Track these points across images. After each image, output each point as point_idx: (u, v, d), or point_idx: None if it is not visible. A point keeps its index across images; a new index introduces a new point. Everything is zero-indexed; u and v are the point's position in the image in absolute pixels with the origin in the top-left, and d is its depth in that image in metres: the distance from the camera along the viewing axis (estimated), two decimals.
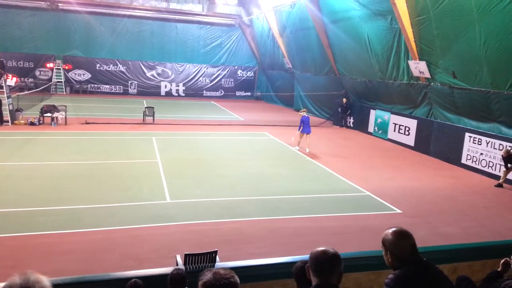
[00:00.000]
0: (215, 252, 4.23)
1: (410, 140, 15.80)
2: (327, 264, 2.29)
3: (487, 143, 12.26)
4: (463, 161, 13.13)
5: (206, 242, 6.80)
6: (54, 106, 17.27)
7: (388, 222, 8.28)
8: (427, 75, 14.23)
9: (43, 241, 6.61)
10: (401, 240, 2.46)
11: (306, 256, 2.58)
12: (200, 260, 4.16)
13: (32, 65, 27.84)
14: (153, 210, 8.23)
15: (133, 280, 3.52)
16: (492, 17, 10.86)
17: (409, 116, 16.13)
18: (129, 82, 29.82)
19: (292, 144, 14.91)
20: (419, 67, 14.39)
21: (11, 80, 16.98)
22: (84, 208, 8.12)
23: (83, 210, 8.00)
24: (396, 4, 13.64)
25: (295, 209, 8.66)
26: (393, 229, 2.53)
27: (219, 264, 4.26)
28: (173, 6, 29.72)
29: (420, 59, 14.18)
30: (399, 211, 8.92)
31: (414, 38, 14.01)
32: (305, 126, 14.26)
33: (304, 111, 14.77)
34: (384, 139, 17.38)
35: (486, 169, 12.26)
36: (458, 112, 13.80)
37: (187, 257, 4.10)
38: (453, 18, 12.15)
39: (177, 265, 4.58)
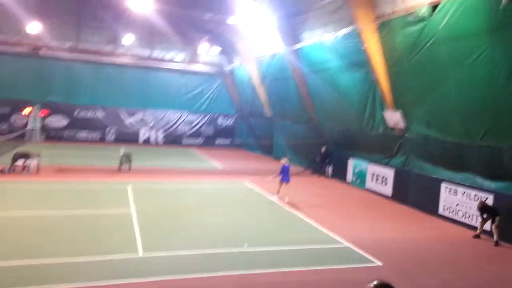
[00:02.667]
0: None
1: (388, 190, 15.84)
2: None
3: (463, 194, 12.36)
4: (440, 211, 13.15)
5: None
6: (26, 154, 16.76)
7: (369, 275, 8.05)
8: (402, 126, 14.57)
9: None
10: None
11: None
12: None
13: (8, 111, 27.32)
14: (123, 264, 7.79)
15: None
16: (464, 69, 11.32)
17: (386, 165, 16.28)
18: (107, 129, 29.53)
19: (267, 184, 14.83)
20: (393, 118, 14.75)
21: None
22: (48, 263, 7.62)
23: (48, 266, 7.50)
24: (371, 56, 14.20)
25: (272, 263, 8.35)
26: (375, 283, 2.46)
27: None
28: (156, 54, 30.28)
29: (396, 109, 14.55)
30: (379, 263, 8.71)
31: (390, 88, 14.45)
32: (284, 175, 14.17)
33: (286, 160, 14.70)
34: (362, 188, 17.40)
35: (462, 219, 12.27)
36: (433, 162, 14.00)
37: None
38: (426, 70, 12.65)
39: None
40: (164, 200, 13.36)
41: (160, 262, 8.03)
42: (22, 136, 25.46)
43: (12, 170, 16.16)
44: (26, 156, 16.58)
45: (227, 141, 32.47)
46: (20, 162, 16.29)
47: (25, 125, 27.27)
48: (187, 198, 13.86)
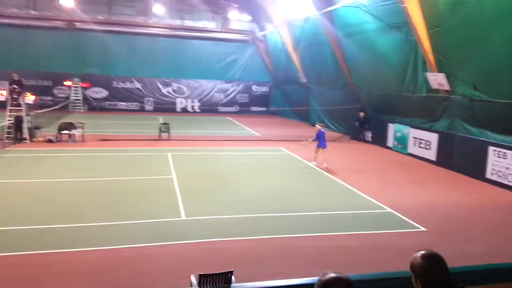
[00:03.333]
0: (231, 272, 4.01)
1: (432, 154, 15.34)
2: None
3: None
4: (488, 176, 12.63)
5: (221, 261, 6.58)
6: (71, 124, 17.46)
7: (411, 240, 7.94)
8: (447, 87, 13.89)
9: (52, 260, 6.47)
10: (432, 266, 2.23)
11: None
12: (215, 281, 3.94)
13: (51, 84, 28.40)
14: (167, 227, 8.05)
15: None
16: None
17: (430, 129, 15.71)
18: (145, 99, 30.14)
19: (305, 150, 14.84)
20: (437, 79, 14.07)
21: (29, 98, 17.26)
22: (95, 225, 7.99)
23: (95, 228, 7.87)
24: (411, 16, 13.42)
25: (312, 227, 8.37)
26: (422, 252, 2.29)
27: (235, 285, 4.04)
28: (188, 23, 30.13)
29: (439, 71, 13.86)
30: (422, 228, 8.54)
31: (432, 50, 13.72)
32: (321, 141, 14.02)
33: (321, 126, 14.51)
34: (404, 153, 16.96)
35: None
36: (480, 125, 13.35)
37: (202, 278, 3.89)
38: (472, 28, 11.83)
39: (191, 285, 4.38)
40: (203, 166, 13.58)
41: (202, 226, 8.22)
42: (65, 107, 26.45)
43: (59, 139, 16.93)
44: (70, 126, 17.26)
45: (262, 108, 32.35)
46: (65, 132, 17.00)
47: (68, 97, 28.29)
48: (225, 164, 14.02)
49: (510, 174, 11.87)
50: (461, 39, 12.40)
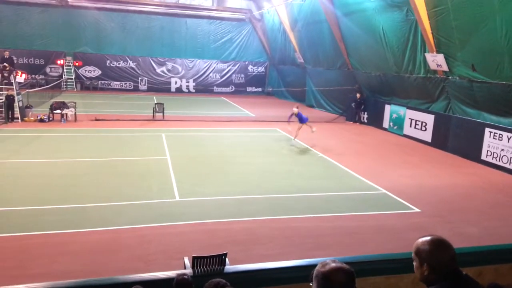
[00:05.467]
0: (225, 254, 3.94)
1: (427, 135, 15.29)
2: (344, 284, 1.91)
3: (509, 139, 11.73)
4: (483, 157, 12.62)
5: (216, 242, 6.53)
6: (63, 103, 17.18)
7: (406, 221, 7.93)
8: (445, 68, 13.72)
9: (48, 241, 6.40)
10: (441, 251, 2.15)
11: (320, 259, 2.25)
12: (209, 263, 3.87)
13: (43, 62, 27.88)
14: (161, 208, 7.98)
15: (134, 287, 3.24)
16: None
17: (426, 111, 15.61)
18: (139, 78, 29.72)
19: (291, 133, 14.79)
20: (436, 60, 13.89)
21: (21, 77, 16.93)
22: (90, 206, 7.91)
23: (90, 209, 7.78)
24: None
25: (307, 208, 8.32)
26: (429, 237, 2.21)
27: (229, 267, 3.98)
28: (183, 1, 29.49)
29: (438, 52, 13.67)
30: (417, 210, 8.52)
31: (431, 30, 13.50)
32: (302, 119, 14.38)
33: (297, 107, 14.59)
34: (399, 135, 16.90)
35: (507, 165, 11.74)
36: (477, 107, 13.27)
37: (195, 260, 3.82)
38: (473, 8, 11.63)
39: (184, 267, 4.31)
40: (198, 147, 13.45)
41: (197, 207, 8.16)
42: (58, 86, 26.03)
43: (51, 119, 16.67)
44: (63, 105, 16.98)
45: (258, 89, 32.05)
46: (58, 111, 16.74)
47: (60, 75, 27.83)
48: (220, 145, 13.90)
49: (505, 155, 11.86)
50: (462, 19, 12.19)
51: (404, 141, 16.06)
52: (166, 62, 30.09)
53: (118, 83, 29.39)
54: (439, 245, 2.16)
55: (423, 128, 15.53)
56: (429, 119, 15.24)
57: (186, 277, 3.42)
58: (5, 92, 16.12)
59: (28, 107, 17.36)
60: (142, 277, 3.64)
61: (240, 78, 31.72)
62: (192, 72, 30.72)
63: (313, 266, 2.05)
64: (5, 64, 17.09)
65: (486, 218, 8.27)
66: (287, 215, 7.91)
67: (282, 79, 30.31)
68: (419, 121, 15.79)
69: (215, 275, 3.49)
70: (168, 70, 30.25)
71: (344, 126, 19.15)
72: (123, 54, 29.15)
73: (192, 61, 30.58)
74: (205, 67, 30.89)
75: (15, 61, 19.45)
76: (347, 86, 20.68)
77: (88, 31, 28.25)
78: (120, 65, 29.30)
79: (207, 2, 30.01)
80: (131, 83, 29.60)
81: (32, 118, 16.62)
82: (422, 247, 2.19)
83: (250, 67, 31.89)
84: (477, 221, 8.09)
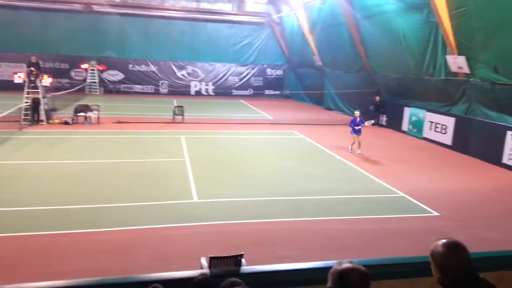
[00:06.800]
0: (241, 255, 4.02)
1: (447, 139, 15.07)
2: (360, 285, 1.96)
3: None
4: (504, 160, 12.36)
5: (233, 243, 6.62)
6: (87, 106, 17.65)
7: (425, 225, 7.86)
8: (466, 70, 13.52)
9: (70, 240, 6.62)
10: (453, 254, 2.16)
11: (336, 261, 2.31)
12: (225, 264, 3.96)
13: (68, 66, 28.68)
14: (180, 209, 8.14)
15: (152, 285, 3.35)
16: None
17: (446, 113, 15.39)
18: (160, 81, 30.22)
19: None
20: (457, 62, 13.69)
21: (46, 81, 17.45)
22: (111, 206, 8.13)
23: (111, 209, 8.00)
24: None
25: (325, 211, 8.35)
26: (444, 241, 2.23)
27: (245, 268, 4.05)
28: (203, 5, 29.85)
29: (459, 54, 13.48)
30: (436, 213, 8.44)
31: (453, 31, 13.33)
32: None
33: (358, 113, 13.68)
34: (419, 137, 16.69)
35: None
36: (499, 109, 13.01)
37: (212, 260, 3.92)
38: (496, 10, 11.45)
39: (201, 268, 4.42)
40: (216, 149, 13.61)
41: (215, 208, 8.27)
42: (82, 90, 26.72)
43: (75, 121, 17.16)
44: (86, 108, 17.45)
45: (276, 91, 32.13)
46: (81, 114, 17.21)
47: (84, 79, 28.55)
48: (238, 147, 14.03)
49: None
50: (484, 20, 12.01)
51: (423, 144, 15.86)
52: (186, 66, 30.52)
53: (140, 86, 29.97)
54: (451, 248, 2.18)
55: (443, 131, 15.31)
56: (450, 121, 15.01)
57: (206, 277, 3.51)
58: (31, 96, 16.67)
59: (53, 109, 17.89)
60: (161, 276, 3.75)
61: (259, 81, 31.87)
62: (212, 76, 31.04)
63: (330, 268, 2.09)
64: (31, 68, 17.67)
65: (506, 223, 8.13)
66: (305, 217, 7.96)
67: (300, 82, 30.30)
68: (439, 124, 15.57)
69: (231, 275, 3.57)
70: (188, 74, 30.66)
71: (363, 129, 18.97)
72: (145, 58, 29.71)
73: (212, 64, 30.90)
74: (224, 71, 31.17)
75: (42, 65, 20.07)
76: (366, 89, 20.54)
77: (111, 36, 28.90)
78: (142, 69, 29.88)
79: (227, 6, 30.30)
80: (152, 86, 30.14)
81: (57, 121, 17.13)
82: (435, 249, 2.22)
83: (268, 70, 32.01)
84: (497, 225, 7.96)
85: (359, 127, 13.32)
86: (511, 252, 5.20)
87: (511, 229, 7.80)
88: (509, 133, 12.26)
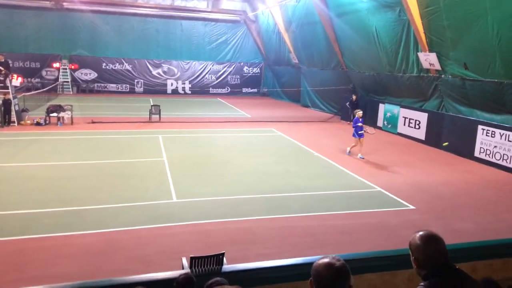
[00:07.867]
0: (222, 254, 4.02)
1: (421, 134, 15.47)
2: (332, 280, 1.94)
3: (501, 136, 11.91)
4: (476, 154, 12.79)
5: (213, 242, 6.62)
6: (60, 106, 17.21)
7: (401, 218, 8.05)
8: (438, 67, 13.89)
9: (45, 244, 6.44)
10: (428, 245, 2.25)
11: (316, 257, 2.34)
12: (207, 263, 3.95)
13: (39, 65, 27.86)
14: (159, 210, 8.05)
15: (136, 287, 3.32)
16: (505, 6, 10.50)
17: (420, 109, 15.80)
18: (135, 80, 29.75)
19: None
20: (429, 59, 14.05)
21: (16, 80, 16.93)
22: (87, 209, 7.96)
23: (87, 212, 7.83)
24: None
25: (304, 207, 8.44)
26: (421, 233, 2.31)
27: (227, 266, 4.06)
28: (178, 3, 29.54)
29: (430, 51, 13.83)
30: (412, 207, 8.66)
31: (424, 29, 13.66)
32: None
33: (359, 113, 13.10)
34: (393, 133, 17.07)
35: (500, 162, 11.92)
36: (470, 104, 13.45)
37: (193, 260, 3.90)
38: (464, 8, 11.80)
39: (182, 268, 4.40)
40: (194, 148, 13.53)
41: (194, 208, 8.23)
42: (54, 89, 26.02)
43: (48, 122, 16.70)
44: (59, 108, 17.02)
45: (253, 89, 32.16)
46: (54, 114, 16.77)
47: (56, 78, 27.82)
48: (217, 146, 13.99)
49: (498, 152, 12.03)
50: (454, 19, 12.36)
51: (398, 139, 16.22)
52: (162, 64, 30.15)
53: (114, 85, 29.42)
54: (428, 240, 2.26)
55: (417, 127, 15.70)
56: (423, 117, 15.41)
57: (189, 276, 3.49)
58: (1, 96, 16.13)
59: (25, 110, 17.37)
60: (142, 278, 3.71)
61: (236, 79, 31.82)
62: (188, 74, 30.79)
63: (309, 264, 2.12)
64: (0, 68, 17.10)
65: (479, 214, 8.42)
66: (283, 215, 8.01)
67: (277, 79, 30.44)
68: (413, 119, 15.96)
69: (213, 274, 3.56)
70: (164, 72, 30.31)
71: (339, 125, 19.29)
72: (119, 56, 29.17)
73: (188, 62, 30.65)
74: (200, 69, 30.96)
75: (11, 65, 19.44)
76: (342, 86, 20.83)
77: (83, 34, 28.25)
78: (116, 68, 29.33)
79: (201, 4, 30.08)
80: (127, 85, 29.63)
81: (29, 122, 16.64)
82: (413, 241, 2.30)
83: (245, 68, 31.99)
84: (470, 217, 8.23)
85: (362, 131, 12.86)
86: (483, 243, 5.41)
87: (484, 220, 8.08)
88: (480, 127, 12.69)
